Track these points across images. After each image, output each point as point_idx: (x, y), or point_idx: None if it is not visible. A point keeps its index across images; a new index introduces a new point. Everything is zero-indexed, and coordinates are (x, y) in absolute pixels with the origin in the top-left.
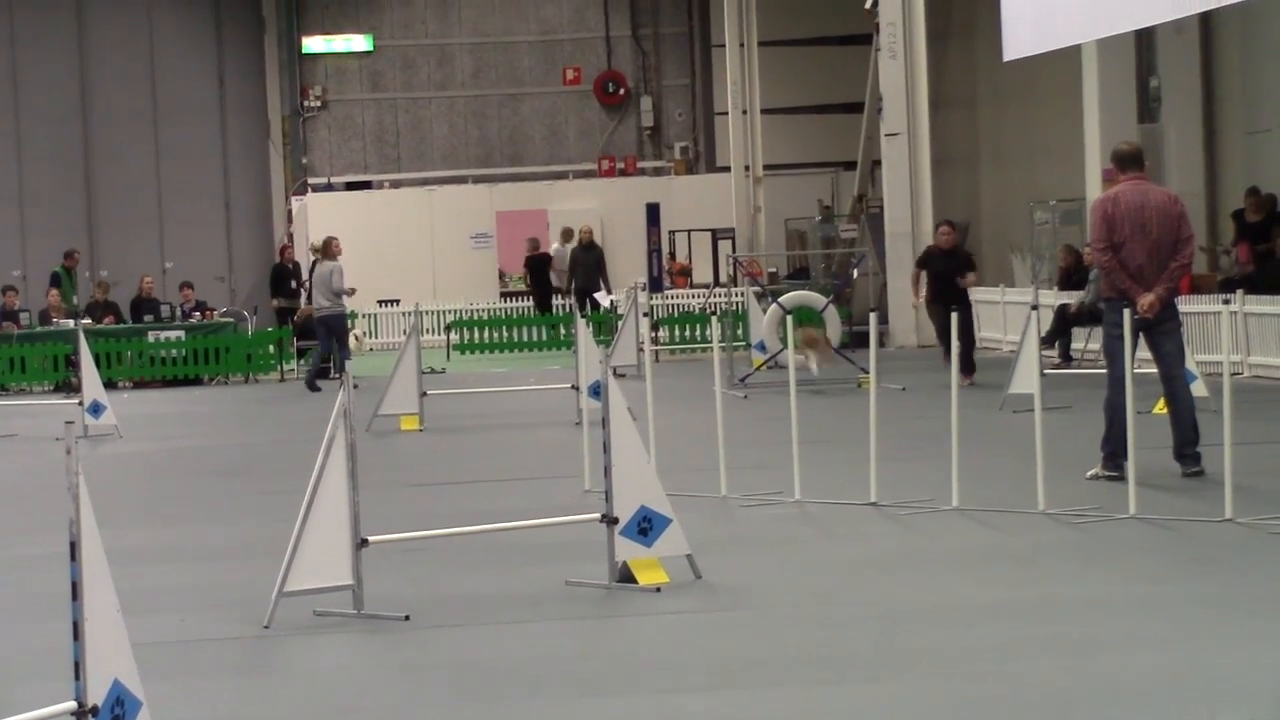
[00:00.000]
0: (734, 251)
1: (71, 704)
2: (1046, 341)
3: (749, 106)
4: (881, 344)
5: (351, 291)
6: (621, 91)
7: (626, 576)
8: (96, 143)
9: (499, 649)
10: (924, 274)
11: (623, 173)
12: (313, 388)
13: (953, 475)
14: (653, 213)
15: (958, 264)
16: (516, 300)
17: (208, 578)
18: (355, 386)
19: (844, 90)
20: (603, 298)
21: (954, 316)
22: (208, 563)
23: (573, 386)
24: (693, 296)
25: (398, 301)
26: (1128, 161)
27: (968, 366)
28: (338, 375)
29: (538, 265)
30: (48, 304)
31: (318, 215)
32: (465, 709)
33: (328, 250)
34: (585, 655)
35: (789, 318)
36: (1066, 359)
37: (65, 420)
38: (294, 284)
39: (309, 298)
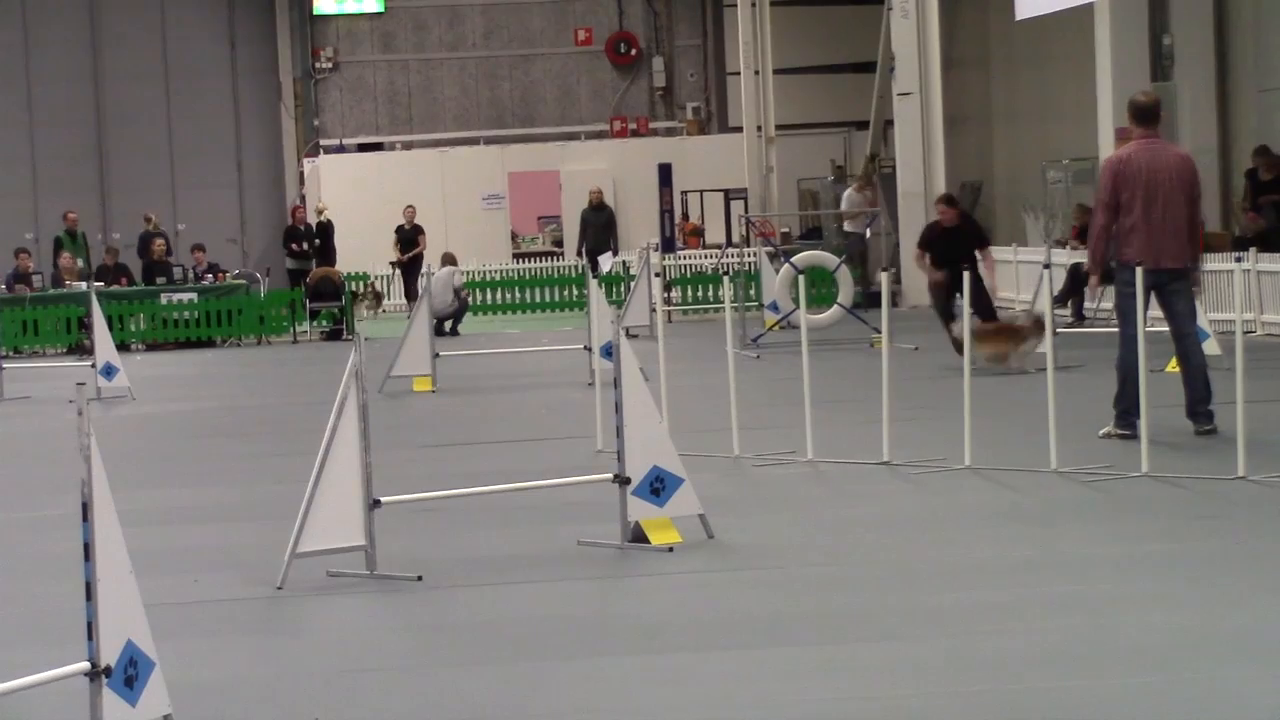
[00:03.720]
0: (746, 212)
1: (85, 664)
2: (1059, 300)
3: (761, 66)
4: (894, 304)
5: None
6: (633, 52)
7: (639, 536)
8: (108, 105)
9: (512, 609)
10: (929, 256)
11: (635, 133)
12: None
13: (965, 434)
14: (665, 173)
15: (962, 240)
16: (529, 261)
17: (220, 539)
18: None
19: (856, 50)
20: (605, 261)
21: (966, 279)
22: (220, 524)
23: (585, 347)
24: (705, 257)
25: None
26: (1144, 114)
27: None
28: (350, 336)
29: None
30: (60, 267)
31: (330, 177)
32: (479, 669)
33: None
34: (598, 615)
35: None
36: (1079, 318)
37: (77, 382)
38: (305, 245)
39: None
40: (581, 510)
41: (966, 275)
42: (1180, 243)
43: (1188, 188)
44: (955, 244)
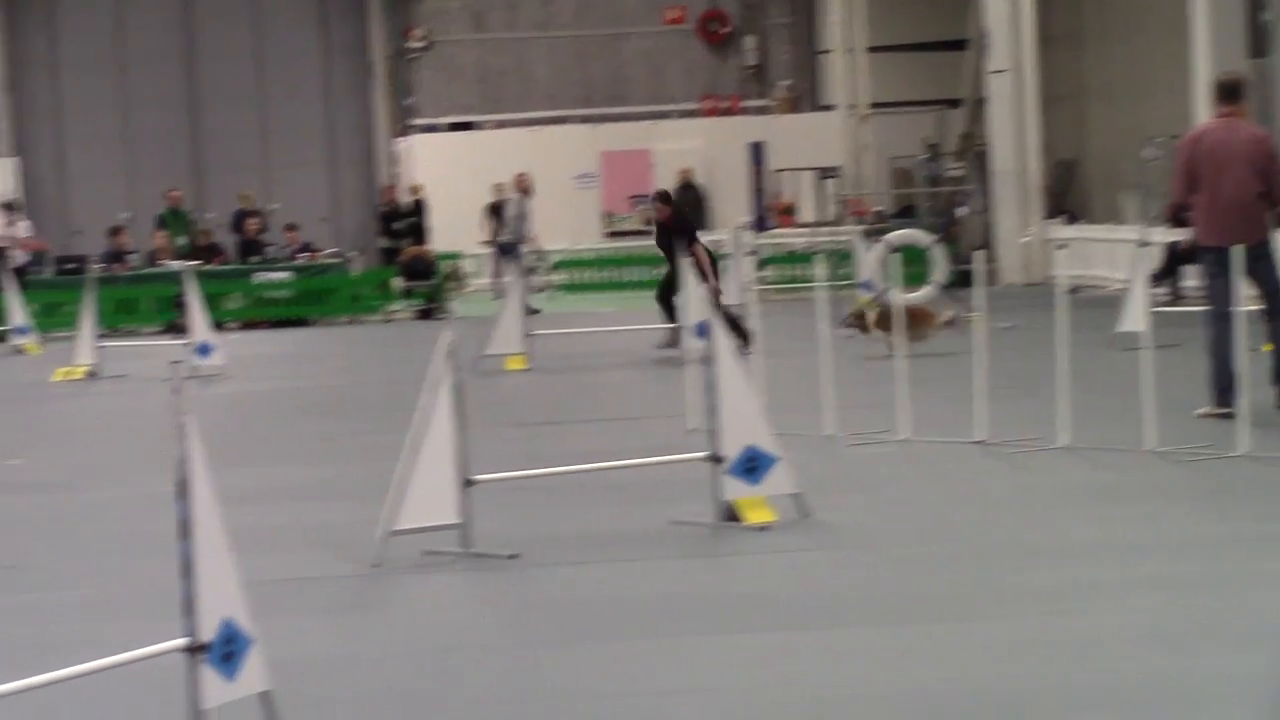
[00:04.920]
0: (839, 190)
1: (183, 640)
2: (1157, 279)
3: (854, 44)
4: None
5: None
6: (725, 30)
7: (732, 515)
8: (201, 85)
9: (606, 587)
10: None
11: (726, 112)
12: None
13: (1061, 413)
14: (756, 152)
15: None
16: (621, 240)
17: (315, 517)
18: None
19: (949, 27)
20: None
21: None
22: (315, 502)
23: (678, 326)
24: (798, 236)
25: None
26: (1226, 92)
27: None
28: (443, 315)
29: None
30: (155, 245)
31: (422, 156)
32: (572, 647)
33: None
34: (690, 594)
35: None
36: (1177, 297)
37: (171, 360)
38: (398, 225)
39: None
40: (674, 489)
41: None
42: (1248, 220)
43: (1257, 165)
44: (669, 240)
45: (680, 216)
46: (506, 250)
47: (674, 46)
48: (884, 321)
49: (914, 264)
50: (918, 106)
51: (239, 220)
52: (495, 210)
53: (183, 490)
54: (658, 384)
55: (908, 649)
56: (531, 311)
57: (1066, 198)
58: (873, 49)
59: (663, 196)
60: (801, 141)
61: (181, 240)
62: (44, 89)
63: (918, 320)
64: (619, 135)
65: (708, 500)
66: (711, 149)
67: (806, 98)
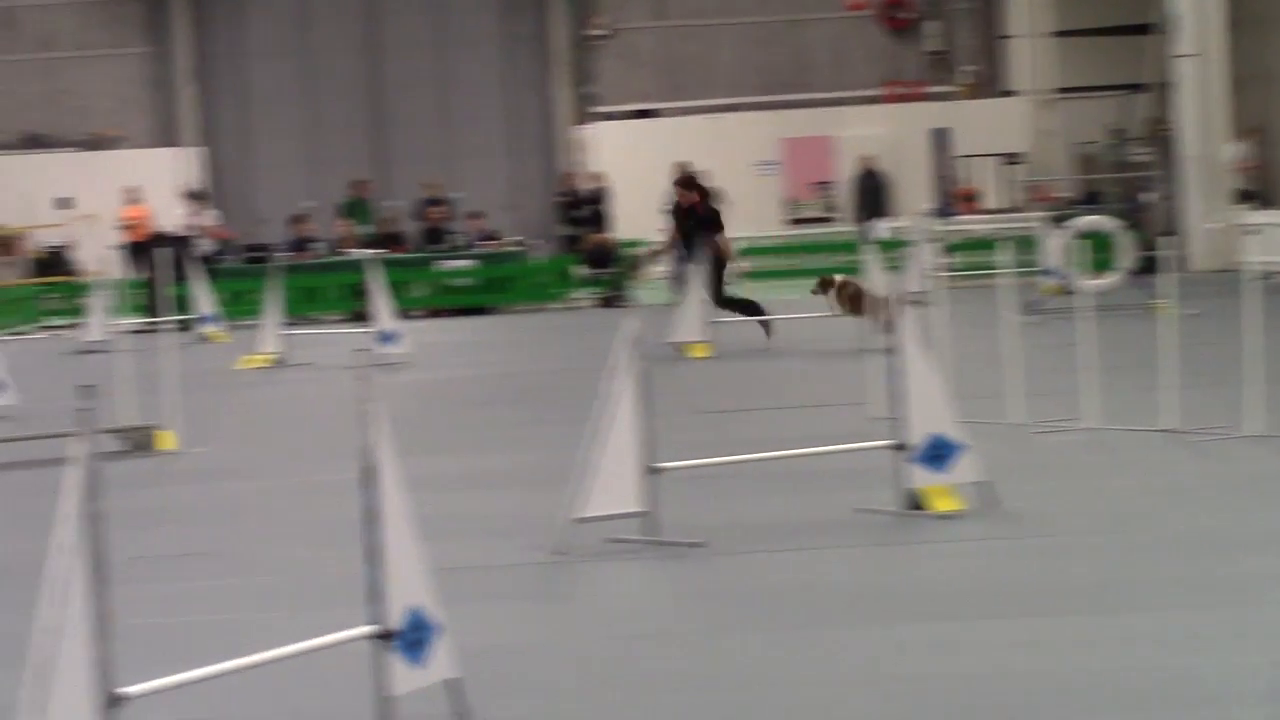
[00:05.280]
0: (1023, 176)
1: (371, 628)
2: None
3: (1038, 29)
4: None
5: None
6: (907, 16)
7: (917, 503)
8: (383, 74)
9: (791, 575)
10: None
11: (908, 98)
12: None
13: (1250, 401)
14: (939, 138)
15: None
16: (803, 227)
17: (500, 504)
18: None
19: (1133, 11)
20: (877, 226)
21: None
22: (500, 489)
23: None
24: (982, 223)
25: None
26: None
27: None
28: (625, 302)
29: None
30: (339, 234)
31: (603, 144)
32: (758, 635)
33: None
34: (877, 582)
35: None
36: None
37: (355, 348)
38: (580, 212)
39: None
40: (858, 477)
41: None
42: None
43: None
44: (692, 227)
45: (707, 205)
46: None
47: (856, 32)
48: (852, 302)
49: (1100, 250)
50: (1102, 91)
51: (423, 208)
52: (862, 180)
53: (369, 478)
54: (840, 371)
55: (1095, 638)
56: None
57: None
58: (1056, 33)
59: (686, 181)
60: (984, 127)
61: (366, 228)
62: (230, 79)
63: (873, 302)
64: (801, 122)
65: (892, 488)
66: (893, 135)
67: (989, 83)
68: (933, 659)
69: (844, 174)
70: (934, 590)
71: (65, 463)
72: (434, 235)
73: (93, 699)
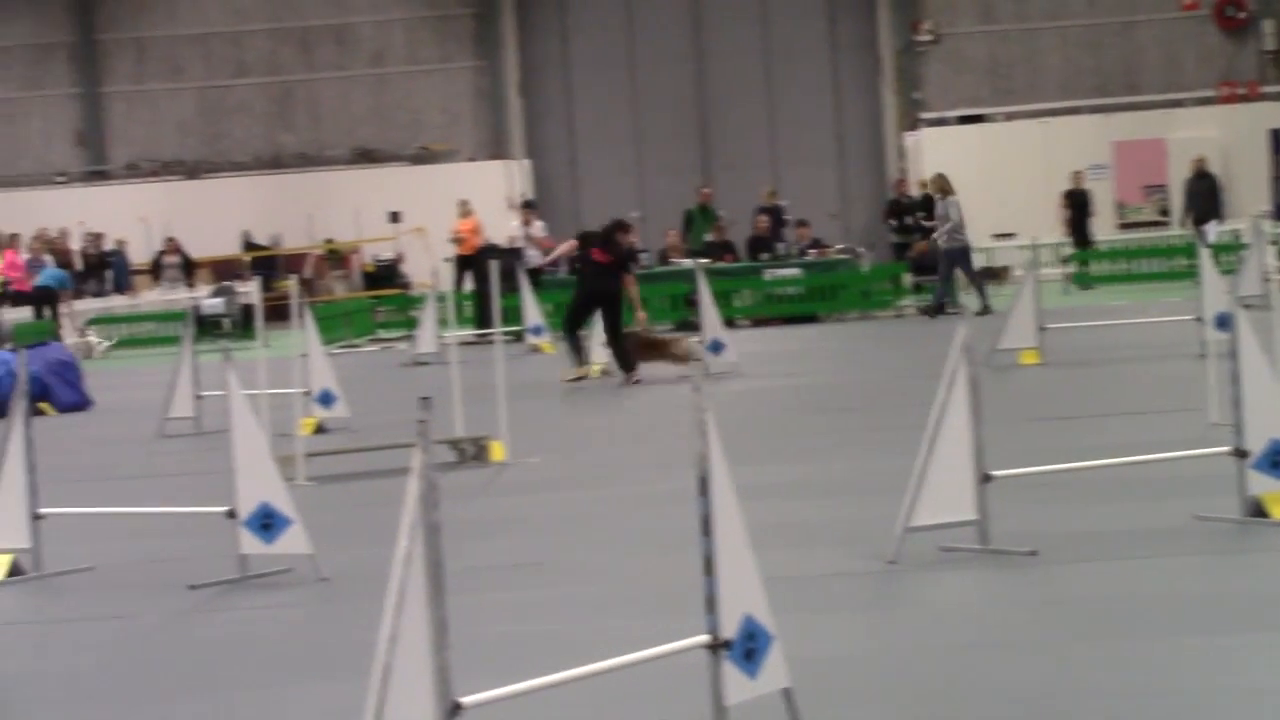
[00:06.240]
0: None
1: (705, 637)
2: None
3: None
4: None
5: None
6: (1242, 15)
7: (1259, 510)
8: (709, 83)
9: (1128, 585)
10: None
11: (1243, 98)
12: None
13: None
14: (1276, 139)
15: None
16: (1135, 231)
17: (830, 513)
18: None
19: None
20: (1211, 229)
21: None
22: (830, 498)
23: (1196, 318)
24: None
25: (1014, 235)
26: None
27: None
28: (956, 309)
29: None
30: (666, 244)
31: (930, 150)
32: (1096, 645)
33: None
34: (1216, 591)
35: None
36: None
37: (693, 358)
38: (909, 219)
39: (925, 233)
40: (1197, 484)
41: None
42: None
43: None
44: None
45: (619, 257)
46: (950, 254)
47: (1189, 32)
48: (646, 348)
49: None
50: None
51: (758, 216)
52: (1069, 198)
53: (704, 486)
54: (1176, 377)
55: None
56: (984, 311)
57: None
58: None
59: (602, 240)
60: None
61: (707, 237)
62: (556, 91)
63: (658, 347)
64: (1132, 124)
65: (1232, 495)
66: (1228, 137)
67: None
68: (1271, 669)
69: (1176, 177)
70: (1272, 599)
71: (400, 474)
72: (761, 244)
73: (433, 707)
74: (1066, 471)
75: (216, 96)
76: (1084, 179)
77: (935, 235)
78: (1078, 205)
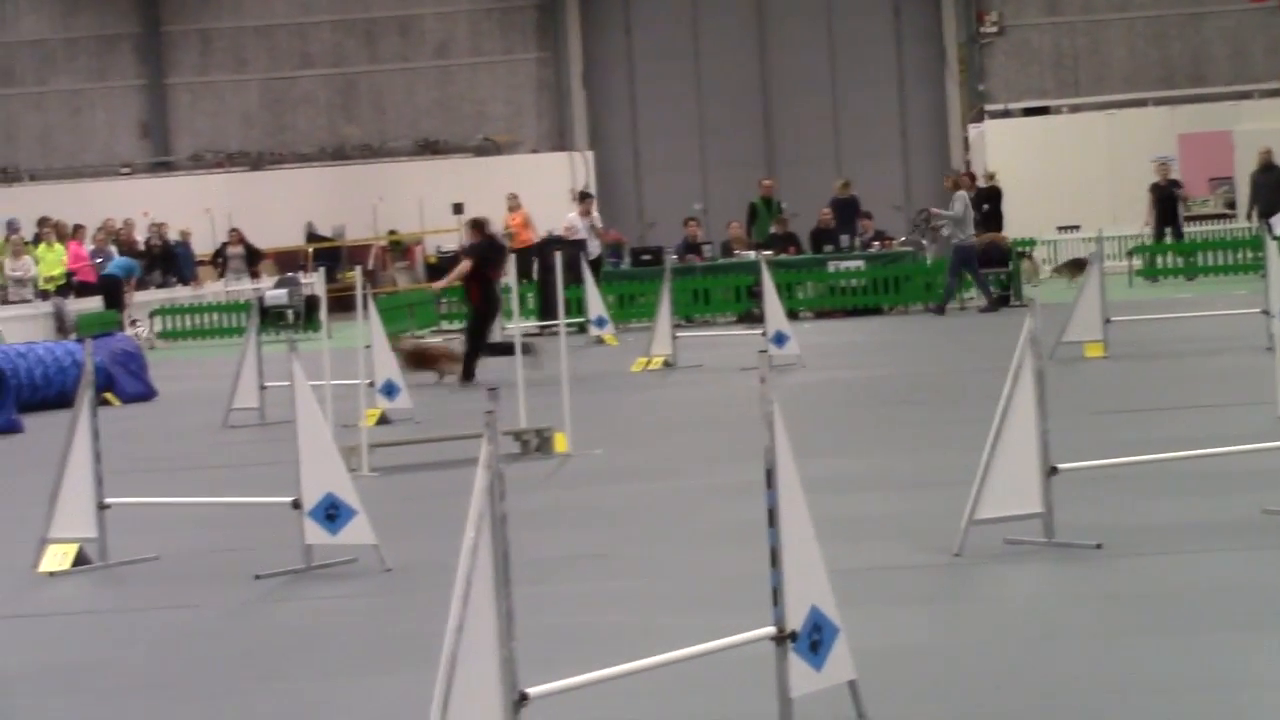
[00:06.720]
0: None
1: (771, 629)
2: None
3: None
4: None
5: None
6: None
7: None
8: (773, 75)
9: (1196, 578)
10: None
11: None
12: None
13: None
14: None
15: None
16: (1201, 224)
17: (894, 506)
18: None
19: None
20: (1277, 223)
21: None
22: (895, 490)
23: (1262, 311)
24: None
25: (1078, 228)
26: None
27: None
28: (1019, 303)
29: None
30: (729, 236)
31: (995, 142)
32: (1163, 638)
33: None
34: None
35: None
36: None
37: (758, 350)
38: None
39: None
40: (1264, 478)
41: None
42: None
43: None
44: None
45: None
46: (959, 253)
47: (1258, 24)
48: (413, 358)
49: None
50: None
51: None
52: (1154, 191)
53: (770, 479)
54: (1243, 371)
55: None
56: (989, 308)
57: None
58: None
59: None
60: None
61: (770, 229)
62: (619, 83)
63: (430, 358)
64: (1198, 117)
65: None
66: None
67: None
68: None
69: (1242, 169)
70: None
71: (463, 465)
72: (824, 236)
73: (499, 698)
74: (1132, 464)
75: (281, 88)
76: (1169, 170)
77: (942, 230)
78: (1165, 198)
